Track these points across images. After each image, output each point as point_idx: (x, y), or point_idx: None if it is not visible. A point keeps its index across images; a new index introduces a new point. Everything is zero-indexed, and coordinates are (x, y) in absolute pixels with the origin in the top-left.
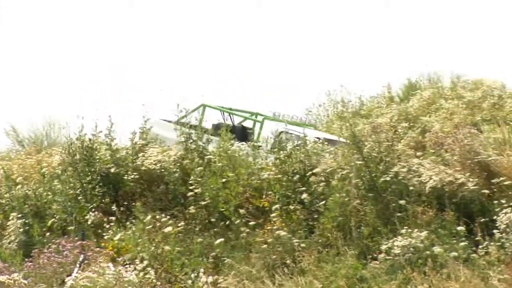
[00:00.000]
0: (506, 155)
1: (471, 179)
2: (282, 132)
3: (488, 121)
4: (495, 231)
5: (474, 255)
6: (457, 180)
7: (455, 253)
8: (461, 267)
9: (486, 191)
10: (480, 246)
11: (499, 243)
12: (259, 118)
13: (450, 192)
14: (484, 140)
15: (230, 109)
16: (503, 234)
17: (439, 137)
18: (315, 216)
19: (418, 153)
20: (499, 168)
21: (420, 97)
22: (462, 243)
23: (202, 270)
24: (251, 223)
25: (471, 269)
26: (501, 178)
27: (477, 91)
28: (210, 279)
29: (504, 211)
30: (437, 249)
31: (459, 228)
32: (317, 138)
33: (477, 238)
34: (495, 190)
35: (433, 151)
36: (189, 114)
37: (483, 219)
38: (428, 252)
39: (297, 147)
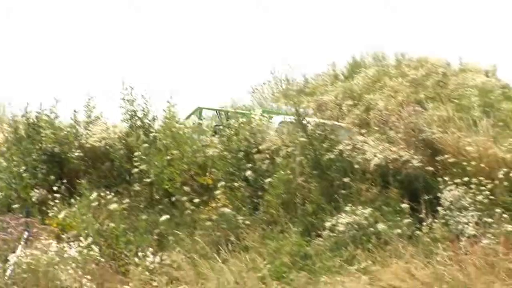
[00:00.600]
0: (450, 132)
1: (415, 157)
2: (281, 122)
3: (432, 99)
4: (439, 208)
5: (418, 232)
6: (401, 157)
7: (399, 230)
8: (405, 244)
9: (431, 169)
10: (424, 223)
11: (443, 220)
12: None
13: (395, 169)
14: (428, 118)
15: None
16: (447, 211)
17: (383, 115)
18: (260, 193)
19: (363, 131)
20: (443, 146)
21: (365, 75)
22: (406, 220)
23: (149, 249)
24: (196, 200)
25: (415, 246)
26: (445, 156)
27: (421, 69)
28: (157, 258)
29: (448, 188)
30: (381, 226)
31: (403, 205)
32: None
33: (421, 215)
34: (439, 167)
35: (377, 128)
36: (188, 118)
37: (427, 197)
38: (372, 229)
39: (242, 125)
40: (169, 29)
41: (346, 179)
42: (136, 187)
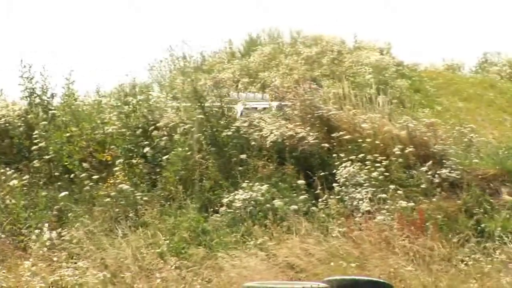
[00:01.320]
0: (346, 109)
1: (311, 133)
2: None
3: (328, 76)
4: (334, 184)
5: (314, 208)
6: (297, 134)
7: (295, 206)
8: (301, 220)
9: (326, 145)
10: (320, 200)
11: (339, 197)
12: None
13: (291, 146)
14: (324, 95)
15: None
16: (342, 188)
17: (279, 92)
18: (158, 170)
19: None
20: (339, 123)
21: (261, 53)
22: (302, 197)
23: (46, 224)
24: (95, 176)
25: (311, 222)
26: (341, 132)
27: (316, 47)
28: (54, 234)
29: (343, 165)
30: (277, 202)
31: (299, 181)
32: None
33: (317, 192)
34: (335, 144)
35: None
36: None
37: (323, 173)
38: (268, 205)
39: (141, 102)
40: (67, 6)
41: (243, 156)
42: (36, 163)
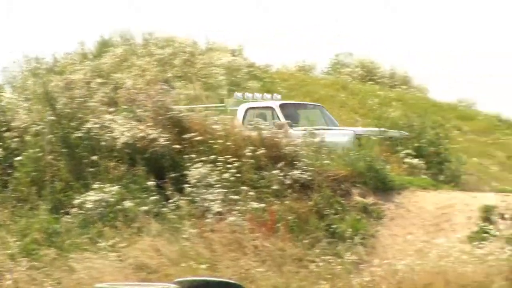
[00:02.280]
0: (197, 111)
1: (162, 135)
2: (249, 108)
3: (180, 78)
4: (186, 185)
5: (165, 209)
6: (148, 135)
7: (145, 208)
8: (152, 221)
9: (178, 146)
10: (170, 201)
11: (190, 198)
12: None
13: (142, 147)
14: (176, 97)
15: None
16: (194, 189)
17: (131, 93)
18: (10, 171)
19: (111, 109)
20: (190, 124)
21: (113, 54)
22: (153, 198)
23: None
24: None
25: (162, 223)
26: (192, 134)
27: (168, 48)
28: None
29: (195, 166)
30: (128, 204)
31: (149, 182)
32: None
33: (168, 193)
34: (186, 145)
35: (125, 107)
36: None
37: (174, 174)
38: (119, 206)
39: None
40: None
41: (94, 157)
42: None
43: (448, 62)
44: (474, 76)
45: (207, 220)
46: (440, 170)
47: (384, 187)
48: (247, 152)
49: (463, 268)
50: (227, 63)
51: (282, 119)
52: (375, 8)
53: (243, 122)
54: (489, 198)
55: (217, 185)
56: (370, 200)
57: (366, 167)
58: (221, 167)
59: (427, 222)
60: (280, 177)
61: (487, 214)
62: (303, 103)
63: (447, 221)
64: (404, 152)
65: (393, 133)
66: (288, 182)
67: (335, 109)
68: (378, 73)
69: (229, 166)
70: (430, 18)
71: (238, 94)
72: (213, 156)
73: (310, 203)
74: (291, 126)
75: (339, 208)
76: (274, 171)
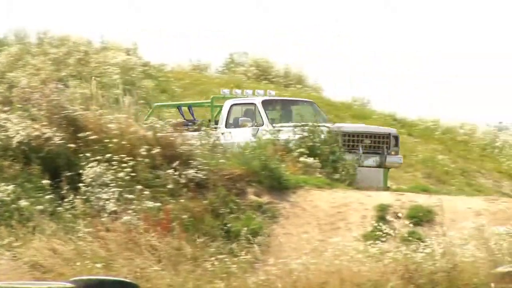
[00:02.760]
0: (93, 110)
1: (58, 134)
2: (233, 105)
3: (75, 77)
4: (81, 184)
5: (60, 208)
6: (44, 134)
7: (41, 207)
8: (48, 221)
9: (73, 145)
10: (66, 200)
11: (85, 197)
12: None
13: (37, 146)
14: (71, 96)
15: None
16: (89, 188)
17: (26, 92)
18: None
19: (5, 109)
20: (85, 123)
21: (8, 53)
22: (48, 197)
23: None
24: None
25: (57, 222)
26: (87, 133)
27: (63, 47)
28: None
29: (90, 165)
30: (23, 203)
31: (44, 181)
32: None
33: (63, 192)
34: (81, 144)
35: (20, 106)
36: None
37: (70, 173)
38: (15, 205)
39: None
40: None
41: None
42: None
43: (343, 61)
44: (368, 75)
45: (102, 219)
46: (335, 169)
47: (279, 186)
48: (142, 151)
49: (358, 267)
50: (121, 62)
51: (264, 116)
52: (269, 7)
53: (227, 119)
54: (384, 197)
55: (112, 184)
56: (265, 199)
57: (261, 166)
58: (116, 166)
59: (322, 221)
60: (175, 176)
61: (382, 213)
62: (291, 99)
63: (342, 220)
64: (298, 151)
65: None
66: (183, 181)
67: None
68: (272, 72)
69: (124, 165)
70: (322, 18)
71: (225, 90)
72: (108, 155)
73: (205, 202)
74: (271, 123)
75: (234, 207)
76: (169, 170)
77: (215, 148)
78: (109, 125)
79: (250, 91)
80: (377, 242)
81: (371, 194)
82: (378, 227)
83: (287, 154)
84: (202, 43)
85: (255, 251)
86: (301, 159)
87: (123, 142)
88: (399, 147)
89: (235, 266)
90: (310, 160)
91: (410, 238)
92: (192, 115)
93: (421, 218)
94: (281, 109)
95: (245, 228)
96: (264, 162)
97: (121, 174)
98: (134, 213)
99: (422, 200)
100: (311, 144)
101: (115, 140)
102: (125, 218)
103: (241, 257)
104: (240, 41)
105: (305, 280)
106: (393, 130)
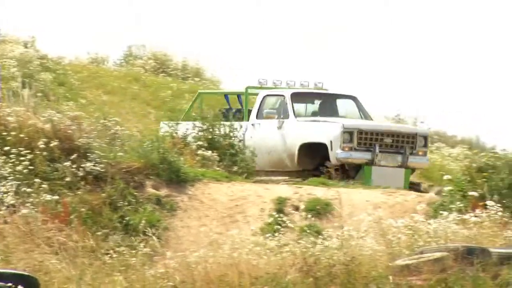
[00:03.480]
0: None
1: None
2: (266, 95)
3: None
4: None
5: None
6: None
7: None
8: None
9: None
10: None
11: None
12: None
13: None
14: None
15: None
16: None
17: None
18: None
19: None
20: None
21: None
22: None
23: None
24: None
25: None
26: None
27: None
28: None
29: None
30: None
31: None
32: None
33: None
34: None
35: None
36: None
37: None
38: None
39: None
40: None
41: None
42: None
43: (243, 53)
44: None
45: (0, 213)
46: (233, 162)
47: (177, 179)
48: (40, 144)
49: (257, 260)
50: (19, 55)
51: (290, 109)
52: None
53: (258, 110)
54: (282, 190)
55: (10, 177)
56: (163, 192)
57: (159, 159)
58: (14, 160)
59: (221, 214)
60: (73, 169)
61: (281, 206)
62: (331, 93)
63: (240, 213)
64: (197, 144)
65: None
66: (81, 174)
67: (127, 101)
68: (171, 65)
69: (22, 158)
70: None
71: (261, 80)
72: (6, 148)
73: (104, 195)
74: (291, 116)
75: (132, 200)
76: (67, 163)
77: (113, 141)
78: (8, 118)
79: (293, 82)
80: (275, 235)
81: (269, 187)
82: (276, 220)
83: (185, 147)
84: (100, 36)
85: (153, 244)
86: (200, 152)
87: (21, 135)
88: (428, 147)
89: (133, 259)
90: (208, 153)
91: (308, 231)
92: (228, 104)
93: (319, 211)
94: (323, 102)
95: (144, 221)
96: (163, 155)
97: (19, 168)
98: (32, 206)
99: (320, 193)
100: (210, 137)
101: (13, 133)
102: (24, 211)
103: (140, 250)
104: (139, 33)
105: (204, 273)
106: (421, 130)
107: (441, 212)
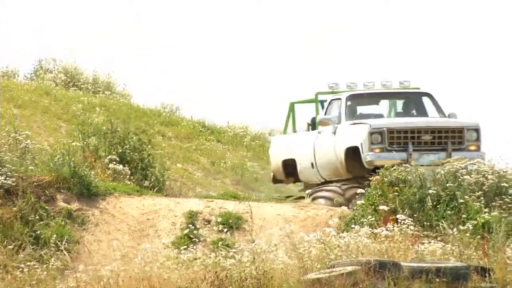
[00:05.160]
0: None
1: None
2: (332, 100)
3: None
4: None
5: None
6: None
7: None
8: None
9: None
10: None
11: None
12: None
13: None
14: None
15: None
16: None
17: None
18: None
19: None
20: None
21: None
22: None
23: None
24: None
25: None
26: None
27: None
28: None
29: None
30: None
31: None
32: None
33: None
34: None
35: None
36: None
37: None
38: None
39: None
40: None
41: None
42: None
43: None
44: (178, 82)
45: None
46: (144, 176)
47: (88, 193)
48: None
49: (168, 274)
50: None
51: (343, 112)
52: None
53: (325, 114)
54: (194, 204)
55: None
56: (74, 206)
57: (70, 173)
58: None
59: (132, 228)
60: None
61: (192, 219)
62: (397, 92)
63: (152, 226)
64: (108, 158)
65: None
66: None
67: (38, 114)
68: (81, 79)
69: None
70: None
71: (331, 84)
72: None
73: (15, 209)
74: (342, 120)
75: (43, 214)
76: None
77: (24, 154)
78: None
79: (372, 83)
80: (186, 248)
81: (180, 201)
82: (188, 233)
83: (96, 161)
84: (11, 49)
85: (64, 258)
86: (111, 165)
87: None
88: (481, 141)
89: (44, 273)
90: (120, 167)
91: (220, 244)
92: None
93: (231, 224)
94: (407, 102)
95: (55, 235)
96: (74, 169)
97: None
98: None
99: (232, 206)
100: (121, 151)
101: None
102: None
103: (51, 264)
104: (49, 47)
105: (115, 287)
106: (469, 123)
107: (352, 226)
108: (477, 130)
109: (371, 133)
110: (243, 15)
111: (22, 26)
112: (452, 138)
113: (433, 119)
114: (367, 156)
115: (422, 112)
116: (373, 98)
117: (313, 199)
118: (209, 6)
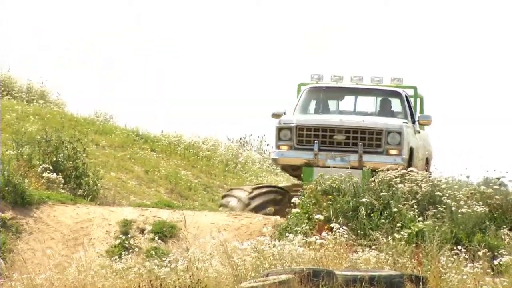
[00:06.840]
0: None
1: None
2: (307, 90)
3: None
4: None
5: None
6: None
7: None
8: None
9: None
10: None
11: None
12: None
13: None
14: None
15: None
16: None
17: None
18: None
19: None
20: None
21: None
22: None
23: None
24: None
25: None
26: None
27: None
28: None
29: None
30: None
31: None
32: None
33: None
34: None
35: None
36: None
37: None
38: None
39: None
40: None
41: None
42: None
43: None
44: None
45: None
46: (78, 184)
47: (22, 202)
48: None
49: (103, 282)
50: None
51: (296, 106)
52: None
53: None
54: (128, 212)
55: None
56: (8, 214)
57: (4, 182)
58: None
59: (67, 237)
60: None
61: (126, 228)
62: (357, 88)
63: (86, 235)
64: (42, 166)
65: None
66: None
67: None
68: (15, 88)
69: None
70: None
71: (314, 75)
72: None
73: None
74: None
75: None
76: None
77: None
78: None
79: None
80: (121, 257)
81: (114, 209)
82: (122, 242)
83: (30, 170)
84: None
85: None
86: (45, 174)
87: None
88: (403, 145)
89: None
90: (53, 175)
91: (154, 253)
92: None
93: (165, 233)
94: (361, 100)
95: None
96: (8, 177)
97: None
98: None
99: (166, 215)
100: (55, 159)
101: None
102: None
103: None
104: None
105: None
106: (391, 125)
107: (286, 234)
108: (400, 134)
109: (280, 129)
110: (243, 15)
111: (22, 26)
112: (369, 140)
113: (350, 117)
114: (272, 153)
115: (385, 113)
116: (336, 92)
117: (223, 197)
118: (209, 6)
